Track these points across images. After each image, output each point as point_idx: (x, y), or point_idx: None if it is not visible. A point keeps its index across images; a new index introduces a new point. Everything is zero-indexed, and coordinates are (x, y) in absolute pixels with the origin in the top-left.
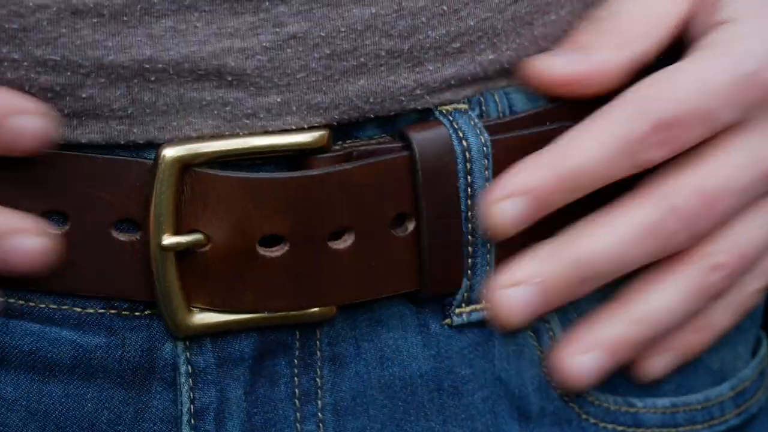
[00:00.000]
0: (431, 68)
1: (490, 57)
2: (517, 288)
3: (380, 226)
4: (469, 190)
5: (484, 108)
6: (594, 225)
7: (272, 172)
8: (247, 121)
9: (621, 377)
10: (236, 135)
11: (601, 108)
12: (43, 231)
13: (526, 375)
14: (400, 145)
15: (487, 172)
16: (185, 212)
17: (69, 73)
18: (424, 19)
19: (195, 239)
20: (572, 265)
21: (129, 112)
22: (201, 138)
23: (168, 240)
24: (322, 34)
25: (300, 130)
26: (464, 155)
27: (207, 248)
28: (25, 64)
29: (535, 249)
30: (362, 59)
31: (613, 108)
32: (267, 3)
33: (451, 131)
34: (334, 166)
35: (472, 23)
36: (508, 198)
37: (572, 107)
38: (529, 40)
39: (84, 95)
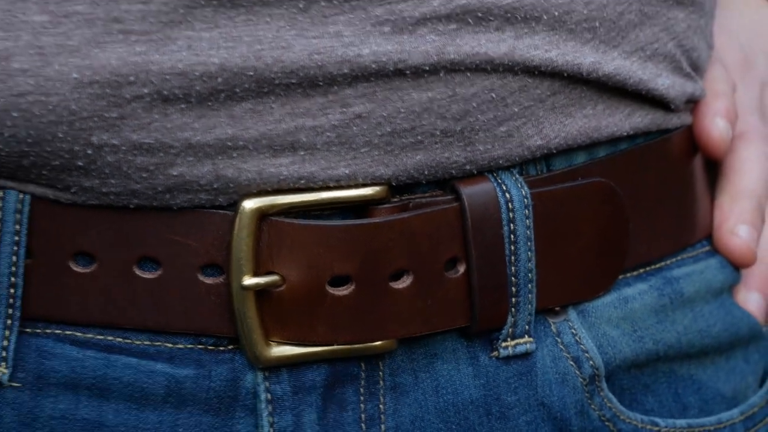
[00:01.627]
0: (481, 148)
1: (539, 143)
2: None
3: (435, 268)
4: (512, 236)
5: (523, 167)
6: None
7: (339, 221)
8: (319, 188)
9: (652, 401)
10: (308, 189)
11: None
12: None
13: (569, 400)
14: (451, 197)
15: (527, 221)
16: (263, 256)
17: (162, 154)
18: (474, 104)
19: (272, 280)
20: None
21: (215, 186)
22: (277, 191)
23: (248, 281)
24: (384, 114)
25: (364, 184)
26: (507, 206)
27: (282, 288)
28: (123, 148)
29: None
30: (419, 137)
31: None
32: (335, 86)
33: (495, 185)
34: (393, 215)
35: (516, 110)
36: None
37: (603, 166)
38: (576, 131)
39: (175, 173)
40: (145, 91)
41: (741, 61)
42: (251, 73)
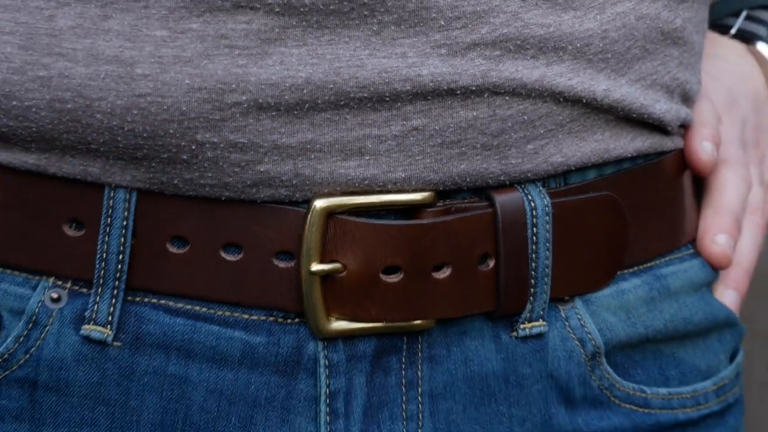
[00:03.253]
0: (513, 162)
1: (560, 160)
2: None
3: (470, 262)
4: (534, 238)
5: (545, 181)
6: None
7: (392, 220)
8: (378, 190)
9: (641, 374)
10: (370, 191)
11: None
12: None
13: (574, 373)
14: (485, 203)
15: (547, 225)
16: (328, 247)
17: (252, 152)
18: (510, 124)
19: (335, 267)
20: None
21: (294, 183)
22: (343, 193)
23: (315, 267)
24: (437, 128)
25: (414, 190)
26: (532, 213)
27: (343, 274)
28: (222, 145)
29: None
30: (463, 149)
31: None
32: (399, 103)
33: (522, 195)
34: (438, 217)
35: (542, 131)
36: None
37: (610, 182)
38: (589, 152)
39: (262, 169)
40: (244, 98)
41: (726, 100)
42: (331, 86)
